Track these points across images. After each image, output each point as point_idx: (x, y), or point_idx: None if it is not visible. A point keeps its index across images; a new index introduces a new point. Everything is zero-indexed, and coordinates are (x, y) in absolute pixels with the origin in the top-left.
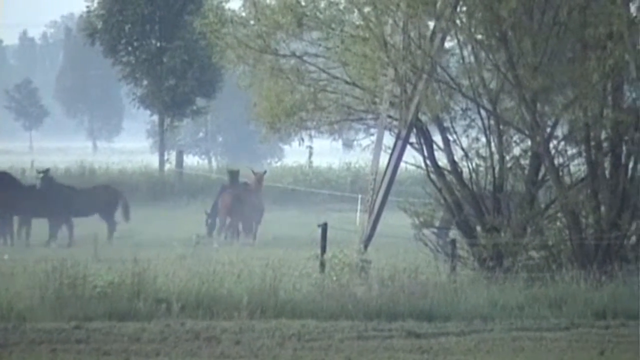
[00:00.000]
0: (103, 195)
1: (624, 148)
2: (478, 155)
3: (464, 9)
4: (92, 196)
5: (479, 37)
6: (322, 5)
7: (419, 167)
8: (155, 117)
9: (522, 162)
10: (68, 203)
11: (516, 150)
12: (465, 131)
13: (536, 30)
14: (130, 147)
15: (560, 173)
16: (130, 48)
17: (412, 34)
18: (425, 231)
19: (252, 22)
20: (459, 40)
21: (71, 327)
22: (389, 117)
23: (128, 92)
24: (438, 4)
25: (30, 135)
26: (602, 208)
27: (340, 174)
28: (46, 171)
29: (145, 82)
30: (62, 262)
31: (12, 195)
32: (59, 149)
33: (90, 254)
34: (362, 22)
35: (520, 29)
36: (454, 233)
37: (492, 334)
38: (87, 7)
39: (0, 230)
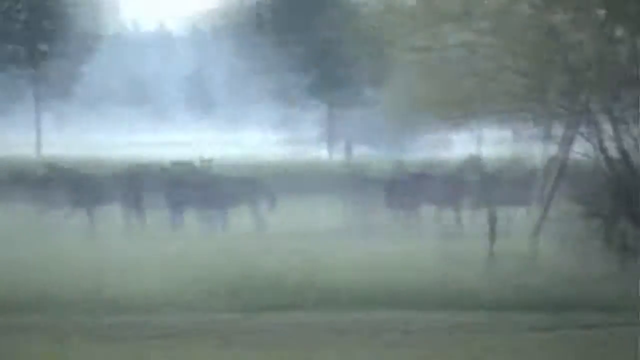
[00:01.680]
0: None
1: None
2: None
3: None
4: None
5: None
6: None
7: (588, 157)
8: None
9: None
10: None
11: None
12: (635, 120)
13: None
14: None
15: None
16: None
17: (582, 23)
18: (595, 220)
19: (421, 12)
20: (628, 29)
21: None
22: (559, 106)
23: None
24: None
25: (200, 126)
26: None
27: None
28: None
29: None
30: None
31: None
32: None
33: None
34: (531, 12)
35: None
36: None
37: None
38: None
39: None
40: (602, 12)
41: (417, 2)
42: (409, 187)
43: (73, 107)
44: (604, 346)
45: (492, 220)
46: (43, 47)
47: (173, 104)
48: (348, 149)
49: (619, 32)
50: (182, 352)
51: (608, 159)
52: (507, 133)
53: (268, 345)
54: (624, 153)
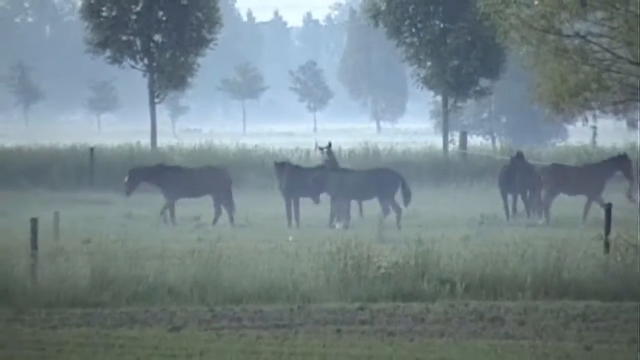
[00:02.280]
0: (384, 179)
1: None
2: None
3: None
4: (372, 179)
5: None
6: None
7: None
8: (439, 98)
9: None
10: (346, 185)
11: None
12: None
13: None
14: (414, 128)
15: None
16: (414, 29)
17: None
18: None
19: (536, 2)
20: None
21: (355, 308)
22: None
23: (412, 74)
24: None
25: (315, 117)
26: None
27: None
28: (329, 146)
29: (429, 64)
30: (347, 243)
31: (297, 180)
32: (343, 130)
33: (374, 235)
34: None
35: None
36: None
37: None
38: None
39: (287, 212)
40: None
41: None
42: (525, 176)
43: (188, 98)
44: None
45: (607, 209)
46: (158, 38)
47: (285, 95)
48: (463, 139)
49: None
50: (295, 342)
51: None
52: (622, 124)
53: (392, 337)
54: None
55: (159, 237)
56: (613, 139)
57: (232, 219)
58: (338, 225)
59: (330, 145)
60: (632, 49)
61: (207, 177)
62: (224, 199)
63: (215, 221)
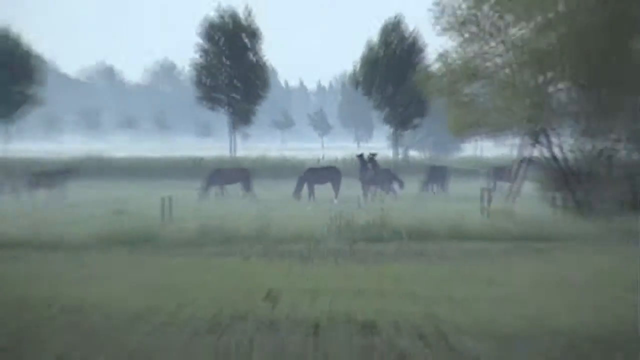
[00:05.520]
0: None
1: None
2: (571, 151)
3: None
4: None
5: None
6: None
7: (544, 157)
8: (391, 130)
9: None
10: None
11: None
12: (569, 134)
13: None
14: (378, 146)
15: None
16: (378, 91)
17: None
18: (548, 192)
19: (444, 73)
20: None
21: (345, 247)
22: (528, 130)
23: (377, 115)
24: None
25: (322, 140)
26: None
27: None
28: (374, 155)
29: (386, 110)
30: (340, 211)
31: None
32: (338, 147)
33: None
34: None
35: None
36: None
37: (582, 250)
38: None
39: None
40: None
41: (445, 69)
42: (436, 174)
43: (252, 129)
44: (548, 253)
45: (488, 192)
46: (235, 95)
47: (305, 128)
48: (405, 152)
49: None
50: (312, 265)
51: (555, 159)
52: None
53: (367, 261)
54: (562, 156)
55: (232, 208)
56: (499, 151)
57: (249, 193)
58: (336, 201)
59: (374, 154)
60: (503, 102)
61: (239, 172)
62: (247, 183)
63: (246, 194)
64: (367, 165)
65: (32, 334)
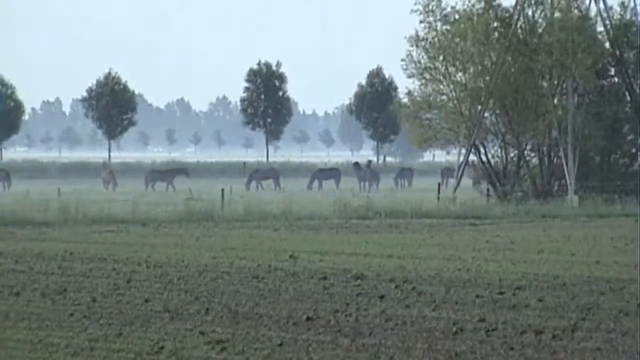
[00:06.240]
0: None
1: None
2: (494, 156)
3: None
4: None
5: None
6: None
7: (477, 160)
8: (375, 142)
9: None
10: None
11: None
12: (492, 146)
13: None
14: (366, 154)
15: (526, 163)
16: (366, 116)
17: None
18: (479, 185)
19: (408, 104)
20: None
21: (343, 222)
22: (466, 140)
23: (365, 133)
24: None
25: (328, 150)
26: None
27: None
28: (370, 161)
29: (371, 129)
30: (339, 197)
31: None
32: (339, 155)
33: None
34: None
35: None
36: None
37: (501, 224)
38: None
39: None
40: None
41: (411, 102)
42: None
43: (280, 142)
44: (480, 227)
45: (439, 185)
46: (269, 120)
47: (316, 142)
48: (384, 159)
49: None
50: (321, 235)
51: (485, 162)
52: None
53: (358, 232)
54: (489, 159)
55: (267, 196)
56: (447, 157)
57: (278, 187)
58: (337, 191)
59: (369, 161)
60: (450, 124)
61: (271, 172)
62: (277, 180)
63: (276, 188)
64: (362, 168)
65: (128, 285)
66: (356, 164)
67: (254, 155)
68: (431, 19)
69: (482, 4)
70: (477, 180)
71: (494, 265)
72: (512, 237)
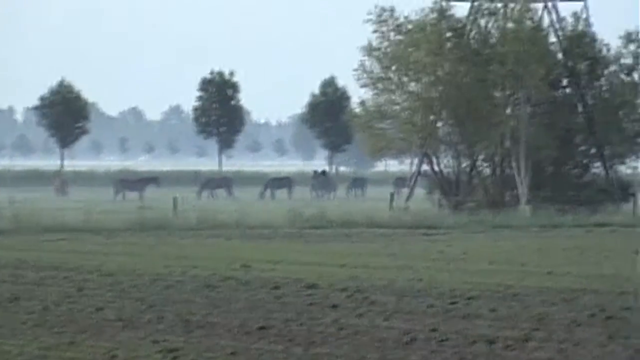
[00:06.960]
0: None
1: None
2: (446, 166)
3: None
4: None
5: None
6: None
7: (431, 170)
8: (328, 152)
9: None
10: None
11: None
12: (445, 156)
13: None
14: (320, 163)
15: (478, 173)
16: (321, 127)
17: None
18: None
19: (362, 113)
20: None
21: (297, 231)
22: (421, 151)
23: (319, 143)
24: None
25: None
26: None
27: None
28: (323, 172)
29: (325, 140)
30: (293, 207)
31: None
32: (292, 165)
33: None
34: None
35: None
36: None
37: (453, 234)
38: None
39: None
40: None
41: (364, 111)
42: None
43: (233, 151)
44: (432, 236)
45: (392, 194)
46: (222, 129)
47: (269, 151)
48: (337, 168)
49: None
50: (273, 244)
51: (437, 172)
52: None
53: (311, 242)
54: (441, 169)
55: (219, 205)
56: (400, 167)
57: (231, 195)
58: (290, 200)
59: (324, 171)
60: (404, 134)
61: (224, 180)
62: (229, 188)
63: (228, 196)
64: (319, 177)
65: (81, 294)
66: (315, 172)
67: (208, 164)
68: (384, 28)
69: (435, 14)
70: (431, 190)
71: (446, 275)
72: (465, 247)
